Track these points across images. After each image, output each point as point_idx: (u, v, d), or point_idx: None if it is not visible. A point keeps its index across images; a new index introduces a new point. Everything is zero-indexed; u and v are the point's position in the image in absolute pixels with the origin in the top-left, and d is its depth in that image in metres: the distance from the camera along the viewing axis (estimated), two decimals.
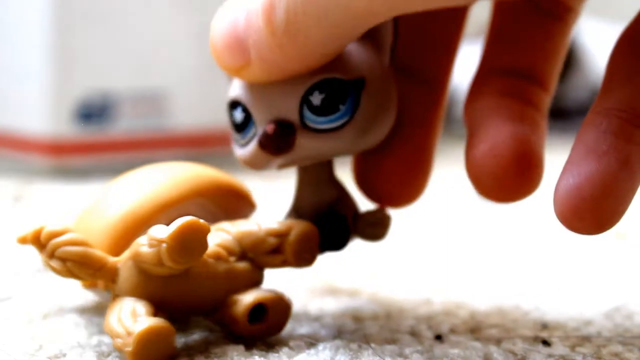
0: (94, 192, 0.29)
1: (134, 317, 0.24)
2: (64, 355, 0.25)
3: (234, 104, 0.27)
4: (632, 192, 0.23)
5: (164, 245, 0.24)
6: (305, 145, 0.26)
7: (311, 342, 0.27)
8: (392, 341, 0.27)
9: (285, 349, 0.26)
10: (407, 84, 0.28)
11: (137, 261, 0.25)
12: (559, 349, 0.26)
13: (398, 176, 0.28)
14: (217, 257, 0.26)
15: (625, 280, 0.35)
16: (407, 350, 0.26)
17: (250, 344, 0.26)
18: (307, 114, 0.26)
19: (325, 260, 0.31)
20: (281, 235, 0.26)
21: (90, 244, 0.25)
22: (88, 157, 0.58)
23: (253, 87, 0.26)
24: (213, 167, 0.29)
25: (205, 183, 0.28)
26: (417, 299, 0.31)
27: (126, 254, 0.25)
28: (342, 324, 0.28)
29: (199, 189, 0.28)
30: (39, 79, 0.57)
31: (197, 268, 0.25)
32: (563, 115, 0.74)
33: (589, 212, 0.23)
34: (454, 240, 0.41)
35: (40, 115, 0.57)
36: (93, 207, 0.28)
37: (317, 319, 0.29)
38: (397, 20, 0.26)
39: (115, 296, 0.25)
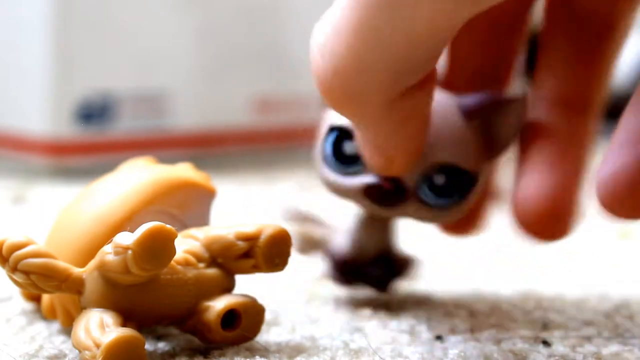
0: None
1: (102, 328, 0.23)
2: (64, 355, 0.25)
3: (349, 134, 0.27)
4: None
5: (130, 252, 0.23)
6: (408, 211, 0.27)
7: (311, 343, 0.27)
8: (392, 341, 0.27)
9: (286, 350, 0.26)
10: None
11: (103, 270, 0.24)
12: (559, 349, 0.26)
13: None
14: (186, 264, 0.25)
15: (626, 281, 0.35)
16: (407, 350, 0.26)
17: (250, 345, 0.26)
18: (424, 187, 0.27)
19: (325, 261, 0.31)
20: (251, 238, 0.25)
21: (54, 255, 0.24)
22: (88, 157, 0.58)
23: None
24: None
25: (156, 188, 0.27)
26: (417, 299, 0.31)
27: (91, 264, 0.24)
28: (342, 325, 0.28)
29: (150, 198, 0.27)
30: (39, 79, 0.57)
31: (165, 275, 0.25)
32: None
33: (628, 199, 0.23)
34: (454, 240, 0.41)
35: (41, 115, 0.57)
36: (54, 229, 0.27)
37: (317, 320, 0.29)
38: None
39: (82, 308, 0.24)
